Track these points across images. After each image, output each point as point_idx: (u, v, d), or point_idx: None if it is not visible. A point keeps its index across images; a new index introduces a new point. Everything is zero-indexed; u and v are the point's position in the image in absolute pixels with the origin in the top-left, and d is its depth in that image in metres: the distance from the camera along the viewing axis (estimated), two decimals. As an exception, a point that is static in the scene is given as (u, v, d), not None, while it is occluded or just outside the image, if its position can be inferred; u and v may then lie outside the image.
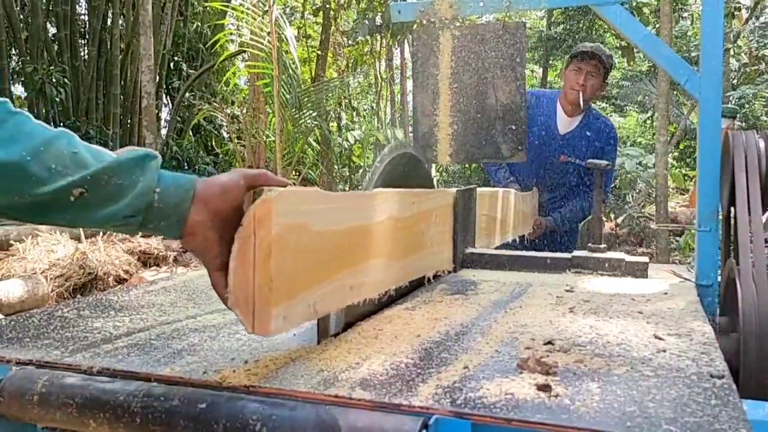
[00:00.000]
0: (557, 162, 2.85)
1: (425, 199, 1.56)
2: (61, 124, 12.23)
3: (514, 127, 2.04)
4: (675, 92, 9.14)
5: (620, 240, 6.67)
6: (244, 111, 7.19)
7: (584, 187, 2.92)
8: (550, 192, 2.96)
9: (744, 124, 9.71)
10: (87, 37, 12.75)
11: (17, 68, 11.98)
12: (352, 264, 1.18)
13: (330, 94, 7.57)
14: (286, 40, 6.35)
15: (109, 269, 5.10)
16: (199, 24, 14.97)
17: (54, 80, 10.86)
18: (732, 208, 1.67)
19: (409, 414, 0.84)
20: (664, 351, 1.09)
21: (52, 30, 12.48)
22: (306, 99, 6.79)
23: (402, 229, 1.39)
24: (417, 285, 1.65)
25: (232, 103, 12.64)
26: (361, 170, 12.47)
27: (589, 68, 2.75)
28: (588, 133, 2.84)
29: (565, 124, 2.84)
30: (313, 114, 6.92)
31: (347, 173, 12.93)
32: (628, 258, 1.89)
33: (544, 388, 0.90)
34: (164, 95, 14.55)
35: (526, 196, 2.77)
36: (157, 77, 12.25)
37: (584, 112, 2.86)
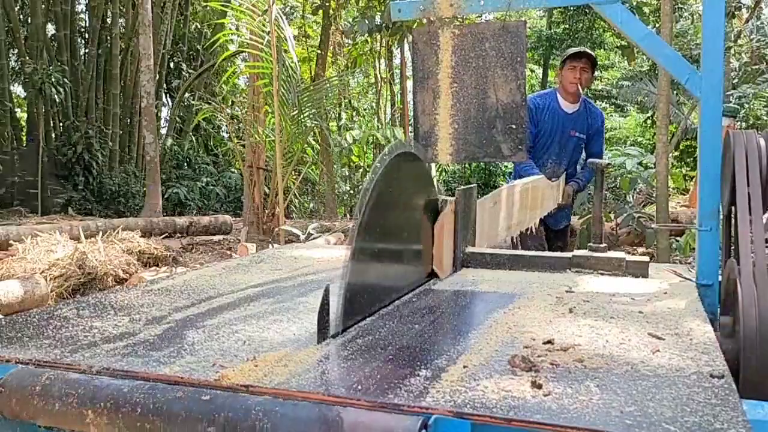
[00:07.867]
0: (568, 134, 3.69)
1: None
2: (61, 124, 12.24)
3: (514, 126, 2.04)
4: (675, 92, 9.13)
5: (620, 240, 6.66)
6: (244, 111, 7.17)
7: (585, 159, 3.90)
8: (567, 161, 3.77)
9: (744, 123, 9.70)
10: (86, 36, 12.75)
11: (16, 68, 11.98)
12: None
13: (330, 94, 7.56)
14: (286, 39, 6.34)
15: (108, 269, 5.08)
16: (199, 24, 14.98)
17: (53, 80, 10.84)
18: (733, 208, 1.66)
19: (409, 414, 0.84)
20: (664, 351, 1.09)
21: (52, 29, 12.47)
22: (306, 98, 6.78)
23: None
24: (417, 285, 1.65)
25: (232, 103, 12.63)
26: (360, 170, 12.47)
27: (581, 65, 3.59)
28: (585, 114, 3.75)
29: (568, 108, 3.70)
30: (313, 113, 6.91)
31: (347, 172, 12.93)
32: (629, 258, 1.89)
33: (535, 385, 0.91)
34: (164, 95, 14.55)
35: (551, 184, 3.59)
36: (157, 77, 12.24)
37: (581, 100, 3.73)
